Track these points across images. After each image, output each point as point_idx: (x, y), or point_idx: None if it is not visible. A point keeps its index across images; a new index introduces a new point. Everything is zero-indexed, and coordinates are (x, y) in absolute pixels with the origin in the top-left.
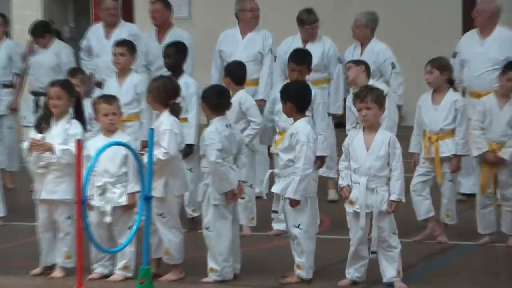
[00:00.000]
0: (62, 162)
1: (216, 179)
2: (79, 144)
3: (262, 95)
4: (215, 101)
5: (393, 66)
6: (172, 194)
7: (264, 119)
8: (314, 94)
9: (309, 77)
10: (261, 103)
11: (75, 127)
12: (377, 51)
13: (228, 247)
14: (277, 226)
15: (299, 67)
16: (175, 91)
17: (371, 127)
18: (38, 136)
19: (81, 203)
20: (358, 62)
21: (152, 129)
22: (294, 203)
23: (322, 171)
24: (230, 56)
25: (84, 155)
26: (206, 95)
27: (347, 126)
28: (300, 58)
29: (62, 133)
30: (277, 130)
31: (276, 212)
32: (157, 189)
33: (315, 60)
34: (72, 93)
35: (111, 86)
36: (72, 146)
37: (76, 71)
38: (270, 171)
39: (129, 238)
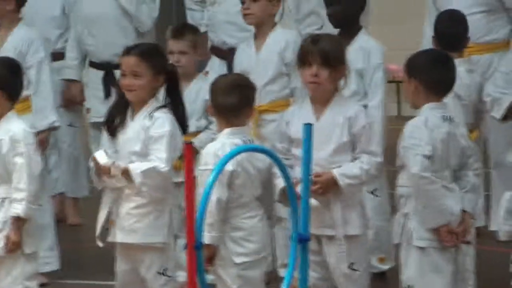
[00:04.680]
0: (144, 190)
1: (421, 204)
2: (189, 150)
3: None
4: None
5: None
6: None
7: None
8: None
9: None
10: None
11: (161, 125)
12: None
13: None
14: None
15: None
16: None
17: None
18: (103, 157)
19: (195, 249)
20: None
21: (309, 125)
22: None
23: None
24: None
25: (199, 169)
26: (417, 68)
27: None
28: None
29: (140, 134)
30: None
31: None
32: (352, 224)
33: None
34: (159, 67)
35: (246, 55)
36: (158, 160)
37: (184, 28)
38: None
39: None
